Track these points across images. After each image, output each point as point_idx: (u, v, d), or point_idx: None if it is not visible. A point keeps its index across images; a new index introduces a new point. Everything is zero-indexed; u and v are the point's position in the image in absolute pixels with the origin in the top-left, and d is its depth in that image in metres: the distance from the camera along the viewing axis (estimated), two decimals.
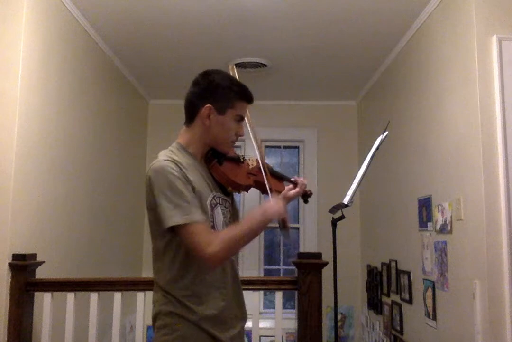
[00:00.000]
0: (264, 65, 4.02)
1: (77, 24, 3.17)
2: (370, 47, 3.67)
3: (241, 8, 3.09)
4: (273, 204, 1.64)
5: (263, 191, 1.82)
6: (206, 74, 1.71)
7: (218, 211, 1.67)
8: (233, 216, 1.79)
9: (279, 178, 1.93)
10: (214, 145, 1.72)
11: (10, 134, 2.43)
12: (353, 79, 4.44)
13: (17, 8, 2.52)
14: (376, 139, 2.33)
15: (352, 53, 3.80)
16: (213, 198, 1.66)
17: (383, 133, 2.32)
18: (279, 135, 5.04)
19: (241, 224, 1.62)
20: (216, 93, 1.66)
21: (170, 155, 1.61)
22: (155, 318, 1.62)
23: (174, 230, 1.54)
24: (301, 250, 4.91)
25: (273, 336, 2.59)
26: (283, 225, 1.67)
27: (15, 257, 2.41)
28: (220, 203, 1.69)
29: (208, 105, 1.65)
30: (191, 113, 1.69)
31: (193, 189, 1.58)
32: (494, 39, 2.39)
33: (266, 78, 4.36)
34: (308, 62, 4.02)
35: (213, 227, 1.63)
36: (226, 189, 1.74)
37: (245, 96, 1.70)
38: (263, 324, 3.43)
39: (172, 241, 1.58)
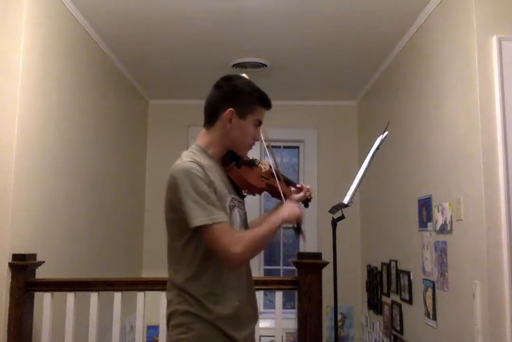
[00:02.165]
0: (264, 65, 4.01)
1: (77, 24, 3.17)
2: (370, 47, 3.67)
3: (241, 8, 3.09)
4: (290, 207, 1.72)
5: (273, 194, 1.87)
6: (228, 79, 1.76)
7: (236, 212, 1.70)
8: (245, 218, 1.83)
9: (287, 183, 1.97)
10: (233, 149, 1.76)
11: (10, 134, 2.43)
12: (353, 79, 4.44)
13: (17, 8, 2.52)
14: (376, 139, 2.33)
15: (352, 53, 3.80)
16: (231, 199, 1.70)
17: (383, 133, 2.32)
18: (279, 135, 5.04)
19: (263, 225, 1.66)
20: (239, 98, 1.71)
21: (193, 157, 1.64)
22: (169, 316, 1.64)
23: (198, 231, 1.57)
24: (301, 250, 4.91)
25: (273, 336, 2.59)
26: (298, 227, 1.75)
27: (15, 257, 2.41)
28: (237, 205, 1.73)
29: (230, 109, 1.69)
30: (212, 116, 1.73)
31: (215, 190, 1.61)
32: (494, 39, 2.39)
33: (266, 78, 4.36)
34: (308, 62, 4.02)
35: None
36: (242, 191, 1.78)
37: (265, 102, 1.75)
38: (263, 324, 3.43)
39: (190, 241, 1.60)
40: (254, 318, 1.75)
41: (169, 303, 1.66)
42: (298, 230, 1.76)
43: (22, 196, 2.49)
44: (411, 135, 3.37)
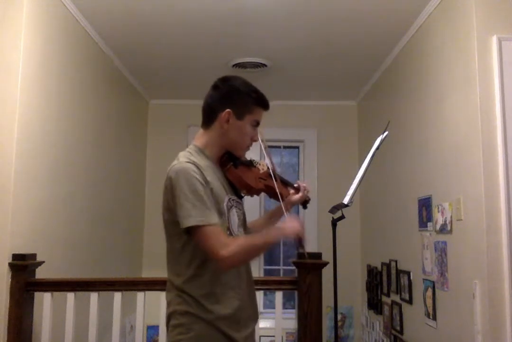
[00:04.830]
0: (264, 65, 4.01)
1: (77, 24, 3.17)
2: (370, 47, 3.67)
3: (241, 8, 3.09)
4: (291, 222, 1.72)
5: (271, 195, 1.88)
6: (225, 80, 1.76)
7: (234, 213, 1.71)
8: (244, 218, 1.83)
9: (284, 183, 1.98)
10: (230, 149, 1.76)
11: (10, 134, 2.43)
12: (353, 79, 4.44)
13: (17, 8, 2.52)
14: (376, 139, 2.33)
15: (352, 53, 3.80)
16: (229, 200, 1.70)
17: (383, 133, 2.32)
18: (279, 135, 5.04)
19: (259, 235, 1.69)
20: (236, 98, 1.71)
21: (189, 157, 1.65)
22: (169, 317, 1.65)
23: (190, 231, 1.57)
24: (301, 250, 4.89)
25: (273, 336, 2.59)
26: (300, 244, 1.75)
27: (15, 257, 2.41)
28: (235, 205, 1.73)
29: (228, 110, 1.69)
30: (210, 116, 1.73)
31: (212, 191, 1.61)
32: (494, 39, 2.39)
33: (266, 78, 4.36)
34: (308, 62, 4.02)
35: (228, 229, 1.67)
36: (240, 191, 1.79)
37: (263, 103, 1.75)
38: (263, 324, 3.43)
39: (189, 242, 1.60)
40: (254, 318, 1.75)
41: (168, 303, 1.67)
42: (299, 245, 1.77)
43: (22, 196, 2.49)
44: (411, 135, 3.37)
